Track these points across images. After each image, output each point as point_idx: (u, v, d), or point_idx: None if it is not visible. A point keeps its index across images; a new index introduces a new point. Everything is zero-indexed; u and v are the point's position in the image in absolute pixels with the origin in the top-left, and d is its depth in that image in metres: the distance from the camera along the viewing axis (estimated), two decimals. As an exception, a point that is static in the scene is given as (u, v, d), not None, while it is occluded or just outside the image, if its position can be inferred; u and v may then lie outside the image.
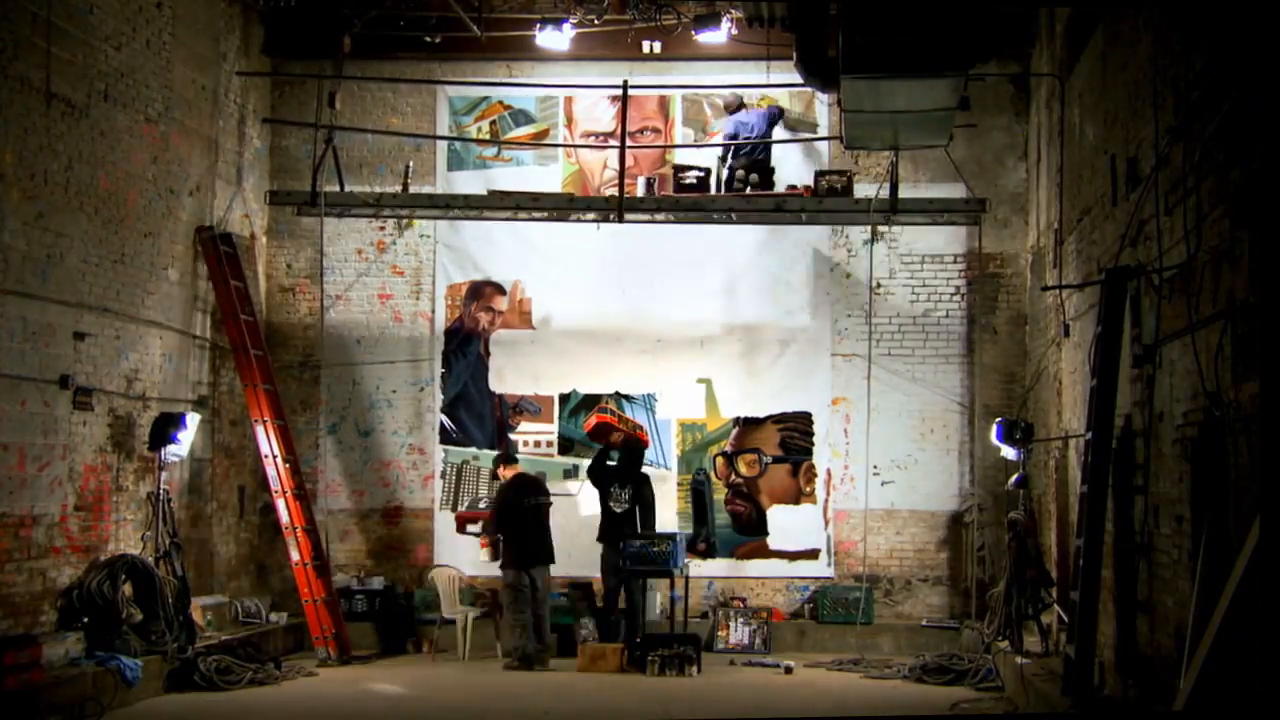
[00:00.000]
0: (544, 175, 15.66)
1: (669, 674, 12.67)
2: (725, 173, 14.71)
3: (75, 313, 11.41)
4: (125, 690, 10.89)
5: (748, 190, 14.45)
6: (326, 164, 14.32)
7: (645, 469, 14.46)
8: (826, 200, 14.18)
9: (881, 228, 14.91)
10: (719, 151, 15.05)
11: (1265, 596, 6.51)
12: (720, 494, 15.33)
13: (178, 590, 12.13)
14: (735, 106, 15.14)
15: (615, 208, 14.07)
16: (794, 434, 15.32)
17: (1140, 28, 9.56)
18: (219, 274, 13.84)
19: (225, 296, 13.85)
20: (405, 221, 15.54)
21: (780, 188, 14.66)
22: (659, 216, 14.51)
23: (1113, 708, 9.05)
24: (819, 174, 14.48)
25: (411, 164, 15.30)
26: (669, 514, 15.24)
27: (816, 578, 15.08)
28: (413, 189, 15.10)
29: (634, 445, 14.28)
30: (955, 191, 14.63)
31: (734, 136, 14.94)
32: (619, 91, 14.19)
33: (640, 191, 14.54)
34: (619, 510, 13.89)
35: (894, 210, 13.90)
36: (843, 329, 15.29)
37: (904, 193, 14.16)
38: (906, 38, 9.40)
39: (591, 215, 14.62)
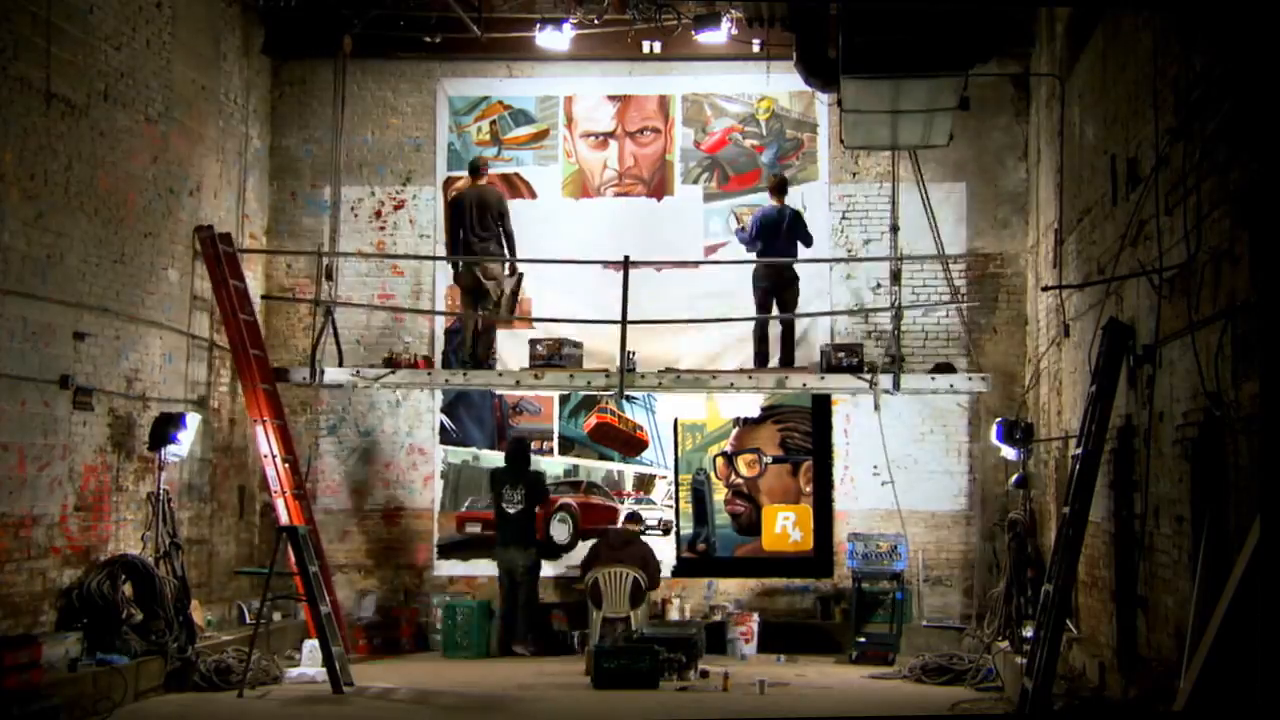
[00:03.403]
0: (544, 175, 15.66)
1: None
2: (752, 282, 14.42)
3: (75, 313, 11.40)
4: (125, 690, 10.87)
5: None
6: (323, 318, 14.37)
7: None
8: (829, 377, 14.06)
9: (881, 227, 14.94)
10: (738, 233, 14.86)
11: (1265, 596, 6.51)
12: (720, 494, 15.34)
13: (178, 590, 12.11)
14: (775, 186, 14.65)
15: (617, 383, 13.74)
16: (794, 434, 15.31)
17: (1140, 28, 9.57)
18: (219, 274, 13.83)
19: (225, 296, 13.84)
20: (405, 205, 15.58)
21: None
22: (661, 387, 14.25)
23: (1113, 708, 9.05)
24: (834, 347, 14.23)
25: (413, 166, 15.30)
26: (669, 515, 15.25)
27: (816, 578, 15.09)
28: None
29: (517, 446, 14.78)
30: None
31: (756, 234, 14.44)
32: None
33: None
34: (511, 511, 14.33)
35: (897, 387, 13.77)
36: (843, 329, 15.28)
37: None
38: (906, 38, 9.41)
39: (598, 387, 14.20)
